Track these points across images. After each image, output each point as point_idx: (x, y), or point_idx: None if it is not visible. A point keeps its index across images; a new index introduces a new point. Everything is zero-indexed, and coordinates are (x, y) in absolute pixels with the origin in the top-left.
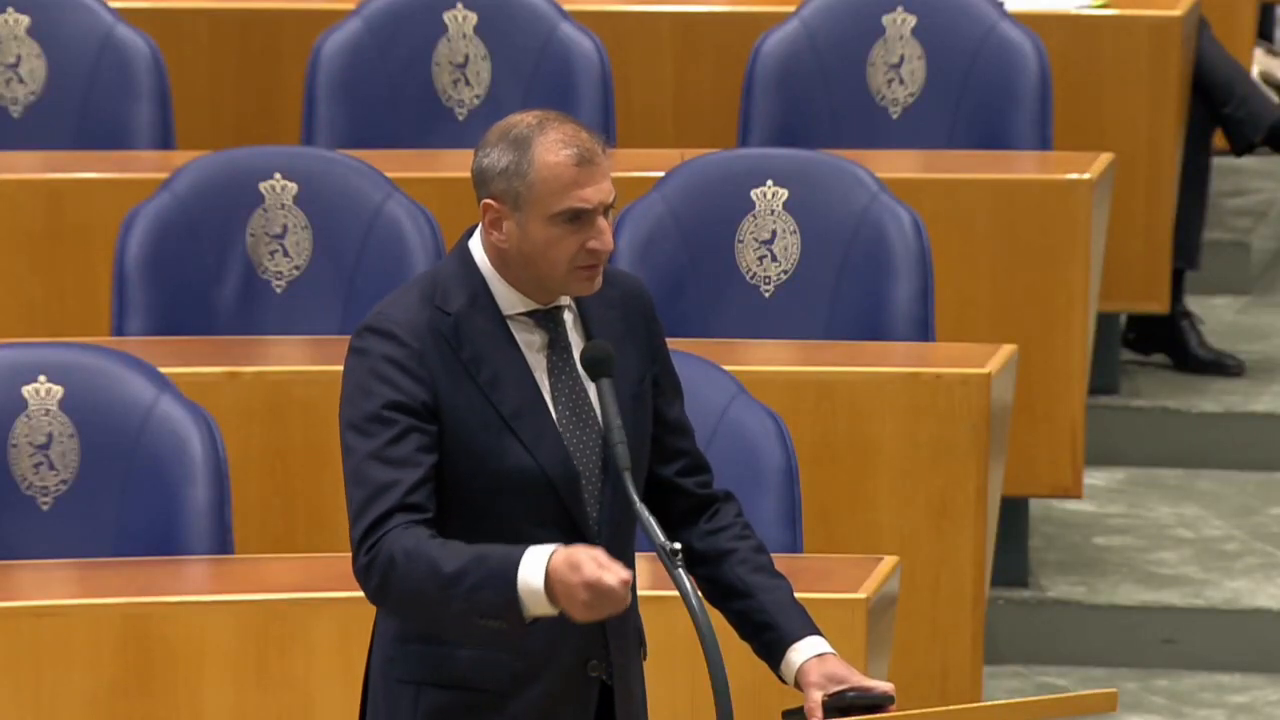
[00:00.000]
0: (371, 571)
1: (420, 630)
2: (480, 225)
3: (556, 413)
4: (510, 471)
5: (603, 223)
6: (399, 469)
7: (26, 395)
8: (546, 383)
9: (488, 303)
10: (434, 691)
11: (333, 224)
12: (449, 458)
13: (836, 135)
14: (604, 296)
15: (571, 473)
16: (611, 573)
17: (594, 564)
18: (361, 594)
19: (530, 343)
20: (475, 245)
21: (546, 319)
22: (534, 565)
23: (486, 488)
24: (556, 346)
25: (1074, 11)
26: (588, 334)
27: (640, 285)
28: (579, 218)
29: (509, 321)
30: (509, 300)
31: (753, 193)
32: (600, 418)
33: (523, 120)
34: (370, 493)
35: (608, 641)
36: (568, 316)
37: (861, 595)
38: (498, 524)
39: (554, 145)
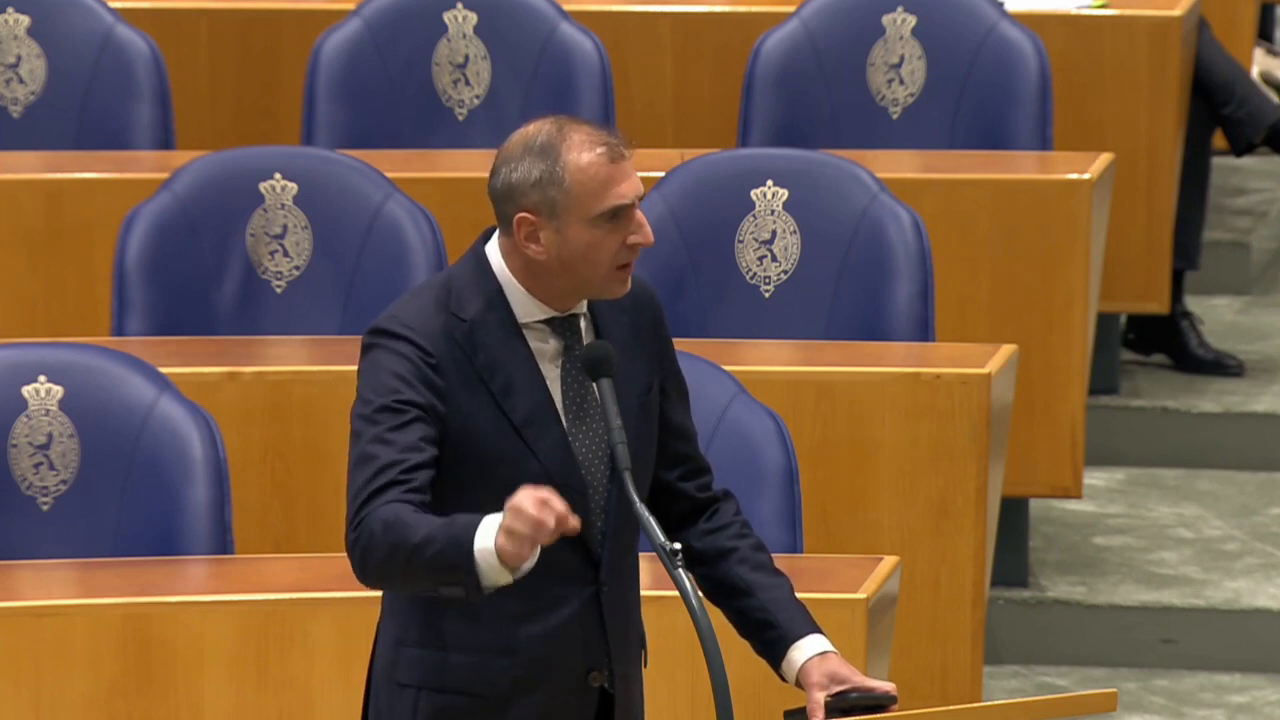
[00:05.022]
0: (356, 547)
1: (419, 635)
2: (498, 236)
3: (567, 421)
4: (519, 479)
5: (640, 216)
6: (402, 451)
7: (26, 395)
8: (559, 391)
9: (503, 310)
10: (434, 696)
11: (333, 224)
12: (459, 463)
13: (836, 135)
14: (615, 303)
15: (579, 483)
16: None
17: (529, 498)
18: (361, 594)
19: (544, 351)
20: (492, 251)
21: (563, 326)
22: (489, 525)
23: (495, 495)
24: (571, 354)
25: (1074, 11)
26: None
27: (649, 291)
28: (619, 215)
29: (524, 329)
30: (525, 308)
31: (753, 193)
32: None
33: (540, 129)
34: (372, 472)
35: (610, 651)
36: (582, 324)
37: (861, 595)
38: None
39: (583, 147)
